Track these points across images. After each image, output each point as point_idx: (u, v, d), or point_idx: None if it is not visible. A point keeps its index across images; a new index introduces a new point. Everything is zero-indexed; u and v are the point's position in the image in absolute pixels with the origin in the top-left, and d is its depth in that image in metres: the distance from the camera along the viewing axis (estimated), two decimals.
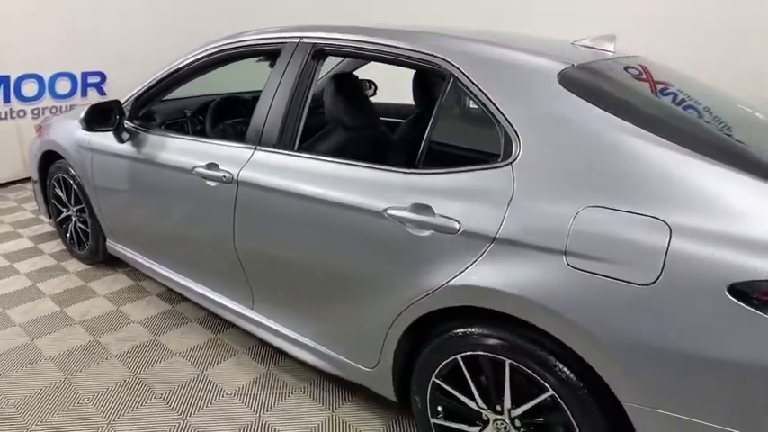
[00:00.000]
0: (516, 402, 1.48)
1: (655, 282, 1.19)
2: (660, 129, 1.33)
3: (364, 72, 3.20)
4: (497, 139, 1.50)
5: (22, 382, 2.19)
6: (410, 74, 2.57)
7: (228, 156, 2.09)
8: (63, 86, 4.91)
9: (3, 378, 2.21)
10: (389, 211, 1.60)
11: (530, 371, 1.41)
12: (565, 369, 1.35)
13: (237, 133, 2.73)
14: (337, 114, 2.13)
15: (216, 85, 3.18)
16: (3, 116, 4.60)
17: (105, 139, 2.64)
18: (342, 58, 3.01)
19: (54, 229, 3.52)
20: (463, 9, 4.34)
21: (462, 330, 1.53)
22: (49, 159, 3.18)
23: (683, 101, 1.67)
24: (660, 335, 1.19)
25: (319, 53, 1.98)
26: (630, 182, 1.28)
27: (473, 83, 1.57)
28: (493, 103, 1.52)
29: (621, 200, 1.27)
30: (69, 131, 2.92)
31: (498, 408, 1.52)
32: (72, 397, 2.10)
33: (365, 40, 1.87)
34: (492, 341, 1.46)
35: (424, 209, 1.54)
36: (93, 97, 5.04)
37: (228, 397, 2.12)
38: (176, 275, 2.56)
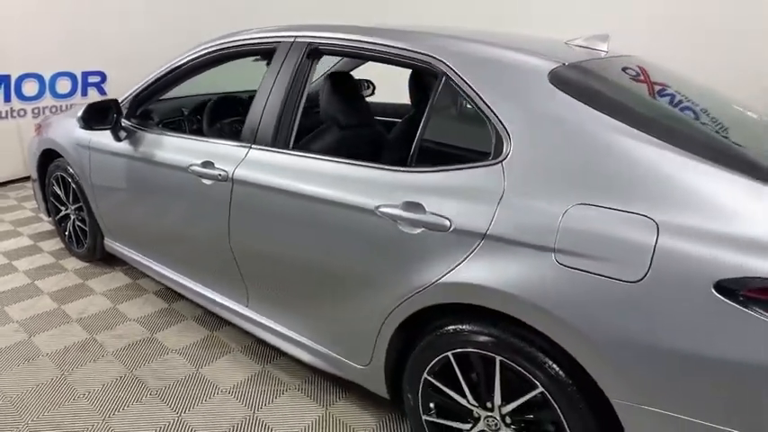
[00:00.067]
0: (507, 399, 1.49)
1: (642, 279, 1.19)
2: (650, 127, 1.34)
3: (364, 72, 3.21)
4: (488, 138, 1.50)
5: (19, 378, 2.20)
6: (409, 74, 2.59)
7: (224, 154, 2.10)
8: (63, 86, 4.94)
9: (0, 374, 2.22)
10: (381, 209, 1.61)
11: (520, 368, 1.41)
12: (554, 366, 1.36)
13: (233, 132, 2.74)
14: (332, 113, 2.14)
15: (215, 84, 3.20)
16: (3, 115, 4.63)
17: (103, 138, 2.65)
18: (339, 58, 3.02)
19: (53, 227, 3.54)
20: (463, 9, 4.34)
21: (453, 327, 1.53)
22: (49, 158, 3.20)
23: (674, 99, 1.68)
24: (648, 332, 1.20)
25: (314, 52, 1.99)
26: (619, 180, 1.29)
27: (465, 81, 1.57)
28: (484, 101, 1.53)
29: (610, 197, 1.28)
30: (68, 130, 2.94)
31: (489, 405, 1.53)
32: (68, 393, 2.11)
33: (359, 39, 1.87)
34: (482, 338, 1.47)
35: (415, 206, 1.55)
36: (94, 97, 5.07)
37: (223, 394, 2.13)
38: (173, 273, 2.57)
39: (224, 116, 2.88)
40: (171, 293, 2.88)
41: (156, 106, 2.86)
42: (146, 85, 2.58)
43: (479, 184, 1.47)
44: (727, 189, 1.20)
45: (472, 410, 1.58)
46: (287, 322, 2.07)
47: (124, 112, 2.60)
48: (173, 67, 2.46)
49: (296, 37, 2.04)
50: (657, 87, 1.75)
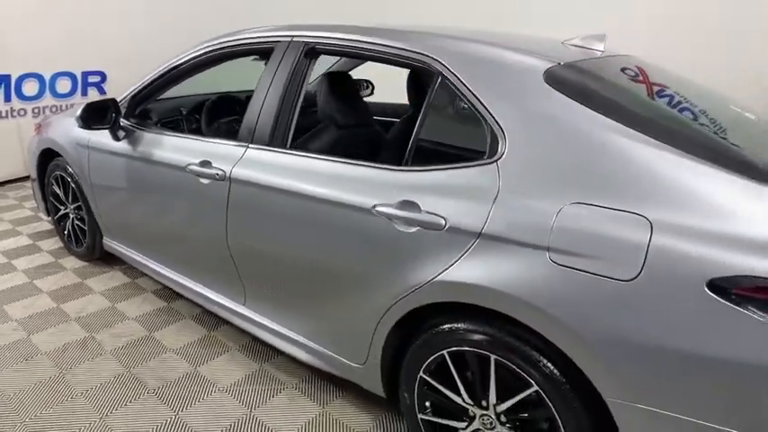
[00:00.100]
0: (501, 398, 1.49)
1: (636, 278, 1.20)
2: (644, 126, 1.34)
3: (363, 72, 3.22)
4: (484, 137, 1.51)
5: (17, 376, 2.21)
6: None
7: (221, 153, 2.11)
8: (63, 86, 4.95)
9: None
10: (378, 208, 1.61)
11: (514, 366, 1.42)
12: (548, 364, 1.36)
13: (231, 131, 2.74)
14: (329, 112, 2.14)
15: (214, 84, 3.20)
16: (3, 115, 4.64)
17: (102, 137, 2.66)
18: (338, 58, 3.03)
19: (52, 226, 3.55)
20: (463, 9, 4.34)
21: (449, 326, 1.54)
22: (48, 157, 3.20)
23: (668, 97, 1.68)
24: (641, 330, 1.20)
25: (311, 52, 2.00)
26: (613, 179, 1.29)
27: (460, 81, 1.58)
28: (479, 100, 1.53)
29: (604, 196, 1.28)
30: (67, 129, 2.95)
31: (484, 403, 1.53)
32: (66, 392, 2.12)
33: (355, 38, 1.88)
34: (477, 337, 1.47)
35: (410, 205, 1.55)
36: (94, 96, 5.07)
37: (220, 393, 2.13)
38: (171, 272, 2.58)
39: (222, 116, 2.89)
40: (170, 292, 2.89)
41: (154, 106, 2.87)
42: (144, 84, 2.59)
43: (474, 183, 1.47)
44: (722, 188, 1.20)
45: (467, 409, 1.58)
46: (284, 321, 2.07)
47: (123, 111, 2.61)
48: (171, 66, 2.46)
49: (293, 36, 2.04)
50: (656, 88, 1.75)
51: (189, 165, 2.18)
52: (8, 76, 4.57)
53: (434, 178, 1.55)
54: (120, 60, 4.99)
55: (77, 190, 2.99)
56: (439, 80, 1.64)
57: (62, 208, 3.25)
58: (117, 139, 2.58)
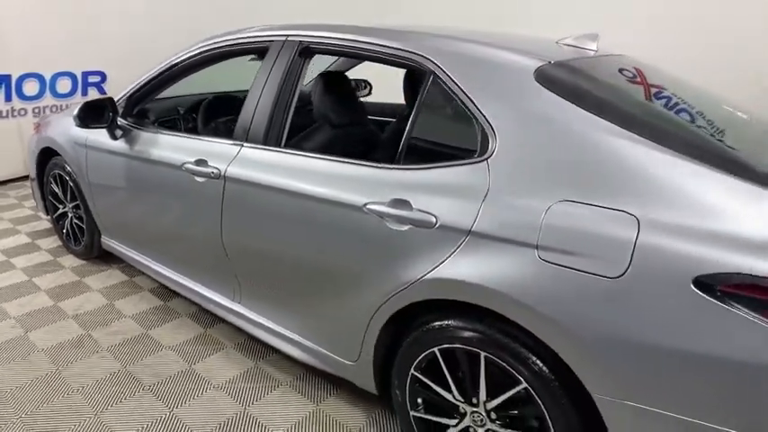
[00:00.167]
0: (491, 395, 1.50)
1: (623, 275, 1.20)
2: (632, 124, 1.35)
3: (363, 72, 3.22)
4: (474, 136, 1.52)
5: (14, 373, 2.22)
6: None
7: (217, 152, 2.12)
8: (64, 85, 4.97)
9: None
10: (369, 206, 1.62)
11: (504, 363, 1.42)
12: (538, 362, 1.37)
13: (228, 130, 2.75)
14: (324, 111, 2.15)
15: (211, 83, 3.21)
16: (4, 114, 4.67)
17: (99, 136, 2.67)
18: (336, 58, 3.03)
19: (51, 225, 3.57)
20: (463, 9, 4.35)
21: (439, 323, 1.54)
22: (47, 156, 3.22)
23: (659, 95, 1.68)
24: (628, 327, 1.21)
25: (305, 51, 2.01)
26: (601, 177, 1.30)
27: (451, 80, 1.59)
28: (470, 99, 1.54)
29: (592, 194, 1.28)
30: (65, 128, 2.96)
31: (474, 400, 1.54)
32: (62, 388, 2.13)
33: (350, 38, 1.89)
34: (467, 334, 1.48)
35: (402, 203, 1.56)
36: (94, 96, 5.08)
37: (215, 390, 2.14)
38: (167, 270, 2.59)
39: (219, 115, 2.90)
40: (167, 291, 2.90)
41: (151, 105, 2.88)
42: (141, 84, 2.60)
43: (465, 182, 1.48)
44: (709, 187, 1.21)
45: (458, 406, 1.59)
46: (278, 318, 2.08)
47: (120, 110, 2.62)
48: (167, 66, 2.48)
49: (287, 36, 2.05)
50: (654, 90, 1.75)
51: (185, 163, 2.19)
52: (9, 76, 4.60)
53: (426, 177, 1.56)
54: (120, 60, 5.01)
55: (76, 189, 3.01)
56: (431, 79, 1.64)
57: (61, 207, 3.27)
58: (114, 138, 2.59)
